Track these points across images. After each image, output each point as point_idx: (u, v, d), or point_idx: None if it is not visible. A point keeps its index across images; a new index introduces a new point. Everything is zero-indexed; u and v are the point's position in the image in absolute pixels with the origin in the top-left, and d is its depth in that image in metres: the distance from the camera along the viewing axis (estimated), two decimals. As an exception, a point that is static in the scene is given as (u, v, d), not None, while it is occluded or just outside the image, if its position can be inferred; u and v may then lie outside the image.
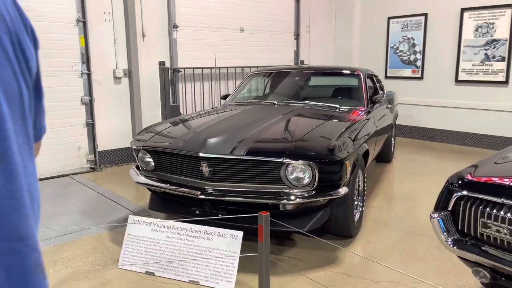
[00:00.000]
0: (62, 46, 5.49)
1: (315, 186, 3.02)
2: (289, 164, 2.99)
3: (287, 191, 3.05)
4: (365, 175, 3.90)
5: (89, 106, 5.82)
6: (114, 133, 6.14)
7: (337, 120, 3.90)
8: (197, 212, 3.28)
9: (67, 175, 5.68)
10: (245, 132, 3.33)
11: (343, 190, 3.12)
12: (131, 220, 3.22)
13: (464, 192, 2.17)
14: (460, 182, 2.21)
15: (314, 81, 5.23)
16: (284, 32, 8.10)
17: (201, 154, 3.08)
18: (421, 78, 7.84)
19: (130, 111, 6.26)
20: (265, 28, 7.74)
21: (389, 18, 8.21)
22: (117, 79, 6.06)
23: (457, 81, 7.33)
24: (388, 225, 3.94)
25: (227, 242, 2.93)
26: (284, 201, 2.99)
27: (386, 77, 8.35)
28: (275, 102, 4.61)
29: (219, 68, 6.96)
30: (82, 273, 3.08)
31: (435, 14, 7.54)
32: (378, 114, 4.74)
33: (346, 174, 3.16)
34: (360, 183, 3.84)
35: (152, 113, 6.48)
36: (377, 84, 5.61)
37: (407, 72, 8.06)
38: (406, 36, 8.00)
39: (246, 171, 3.09)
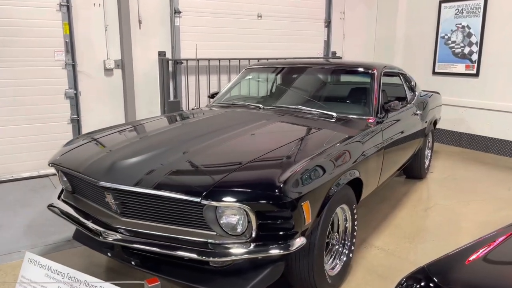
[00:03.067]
0: (42, 34, 4.93)
1: (253, 236, 2.14)
2: (218, 206, 2.12)
3: (215, 241, 2.18)
4: (355, 211, 2.91)
5: (75, 101, 5.25)
6: (104, 130, 5.55)
7: (322, 135, 2.94)
8: (109, 254, 2.51)
9: (47, 175, 5.17)
10: (172, 154, 2.48)
11: (298, 242, 2.21)
12: (27, 258, 2.53)
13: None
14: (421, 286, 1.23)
15: (318, 80, 4.23)
16: (312, 19, 7.03)
17: (101, 183, 2.29)
18: (477, 75, 6.47)
19: (124, 107, 5.63)
20: (288, 14, 6.73)
21: (440, 2, 6.86)
22: (108, 71, 5.43)
23: (522, 80, 5.93)
24: (385, 279, 2.93)
25: (123, 307, 2.14)
26: (206, 258, 2.13)
27: (434, 72, 7.04)
28: (260, 105, 3.72)
29: (229, 60, 6.11)
30: (-40, 322, 2.45)
31: (497, -3, 6.13)
32: (397, 124, 3.70)
33: (303, 218, 2.23)
34: (348, 223, 2.88)
35: (149, 109, 5.81)
36: (405, 84, 4.50)
37: (460, 67, 6.70)
38: (460, 24, 6.63)
39: (162, 209, 2.26)
